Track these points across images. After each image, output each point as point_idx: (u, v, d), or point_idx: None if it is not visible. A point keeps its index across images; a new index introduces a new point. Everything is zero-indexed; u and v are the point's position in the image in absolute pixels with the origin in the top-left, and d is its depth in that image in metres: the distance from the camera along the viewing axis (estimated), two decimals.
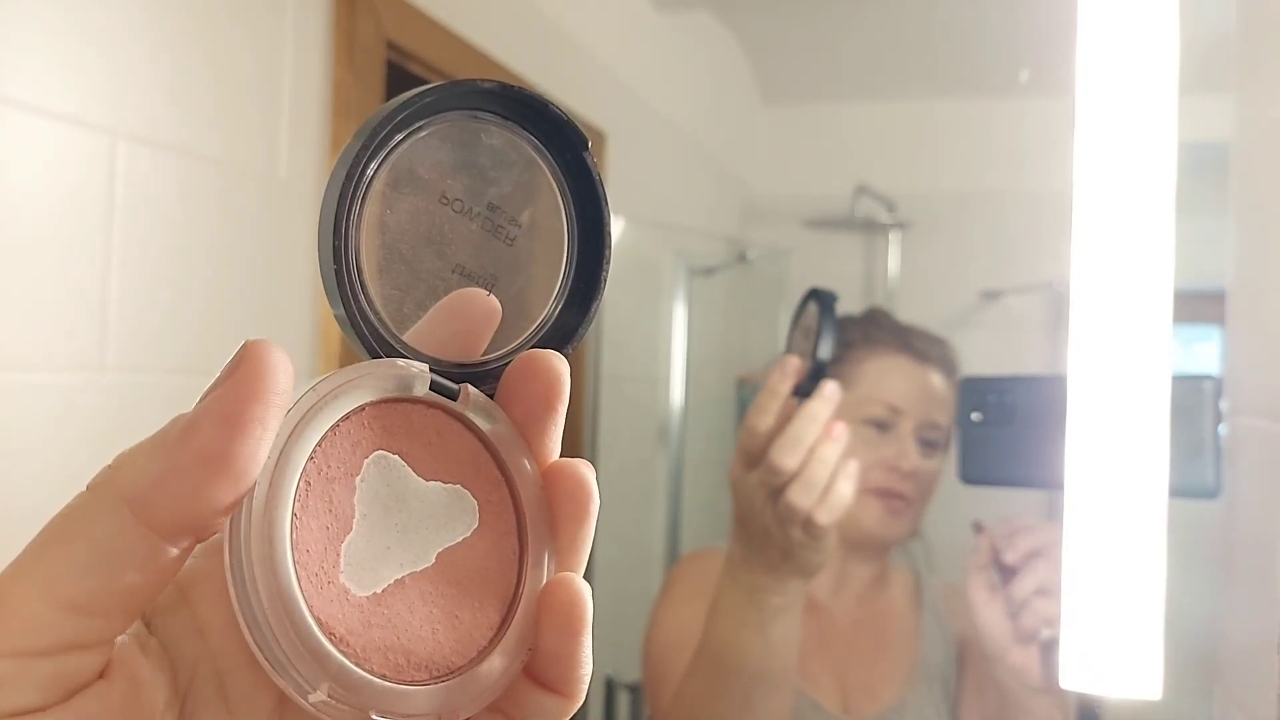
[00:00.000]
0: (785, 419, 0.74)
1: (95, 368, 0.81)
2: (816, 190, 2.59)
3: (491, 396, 0.26)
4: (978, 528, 0.86)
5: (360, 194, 0.24)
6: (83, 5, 0.79)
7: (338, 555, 0.23)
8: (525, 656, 0.25)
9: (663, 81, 2.10)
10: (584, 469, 0.26)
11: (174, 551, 0.21)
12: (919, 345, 1.04)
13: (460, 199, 0.26)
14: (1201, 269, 0.76)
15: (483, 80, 0.25)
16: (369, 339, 0.25)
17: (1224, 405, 0.73)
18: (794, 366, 0.75)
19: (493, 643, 0.25)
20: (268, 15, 0.99)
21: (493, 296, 0.26)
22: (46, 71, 0.77)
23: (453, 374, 0.26)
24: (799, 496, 0.72)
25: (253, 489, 0.22)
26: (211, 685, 0.23)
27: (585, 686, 0.24)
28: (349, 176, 0.24)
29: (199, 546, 0.22)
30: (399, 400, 0.25)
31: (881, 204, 2.51)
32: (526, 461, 0.26)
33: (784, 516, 0.73)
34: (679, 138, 2.22)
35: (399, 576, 0.24)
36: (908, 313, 1.22)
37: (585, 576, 0.24)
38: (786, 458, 0.72)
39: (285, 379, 0.21)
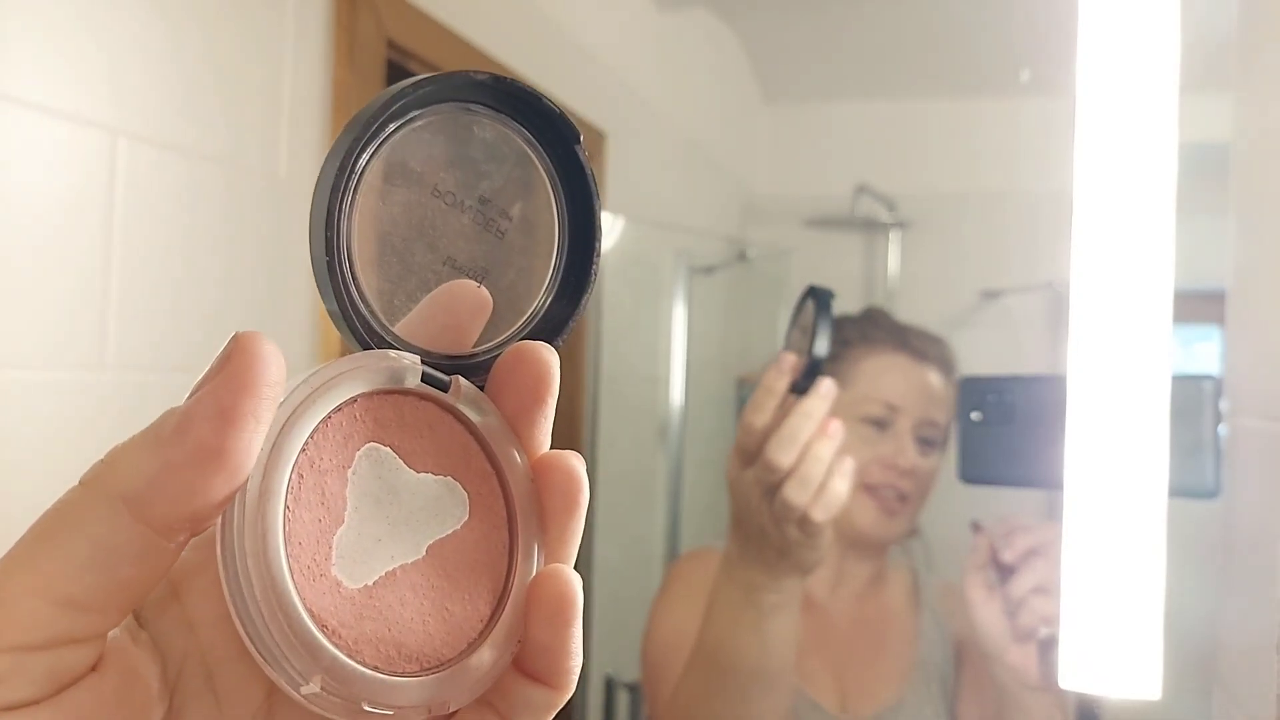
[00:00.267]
0: (782, 416, 0.74)
1: (95, 367, 0.81)
2: (816, 190, 2.59)
3: (482, 388, 0.26)
4: (976, 527, 0.86)
5: (353, 186, 0.24)
6: (83, 4, 0.79)
7: (330, 548, 0.23)
8: (515, 648, 0.25)
9: (663, 81, 2.10)
10: (574, 461, 0.26)
11: (169, 546, 0.21)
12: (916, 344, 1.04)
13: (452, 192, 0.26)
14: (1201, 269, 0.76)
15: (475, 71, 0.25)
16: (360, 331, 0.25)
17: (1224, 405, 0.73)
18: (790, 364, 0.75)
19: (483, 635, 0.25)
20: (268, 14, 0.99)
21: (483, 289, 0.26)
22: (47, 69, 0.77)
23: (444, 366, 0.26)
24: (794, 493, 0.72)
25: (246, 482, 0.22)
26: (201, 677, 0.23)
27: (574, 679, 0.24)
28: (341, 168, 0.24)
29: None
30: (390, 392, 0.25)
31: (881, 204, 2.51)
32: (516, 453, 0.26)
33: (780, 513, 0.73)
34: (679, 137, 2.22)
35: (390, 569, 0.24)
36: (908, 312, 1.22)
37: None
38: (782, 454, 0.72)
39: (277, 371, 0.21)
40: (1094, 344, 0.62)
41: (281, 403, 0.23)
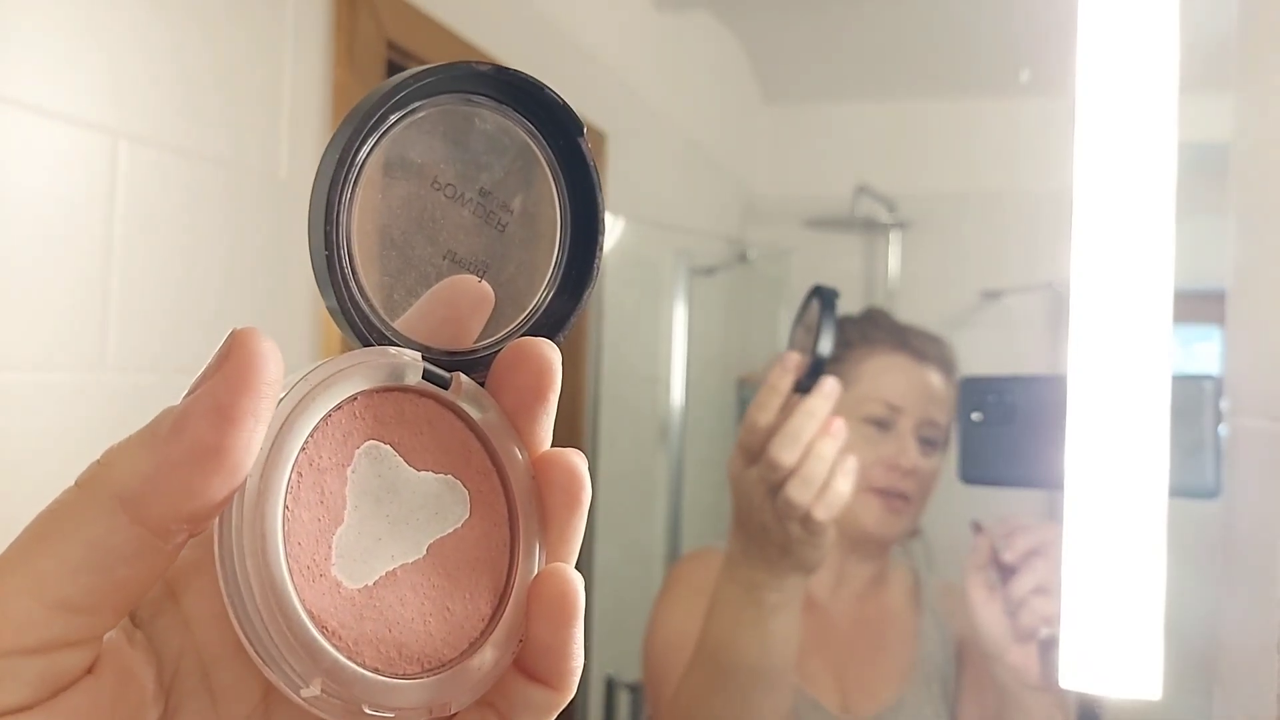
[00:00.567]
0: (786, 415, 0.74)
1: (96, 367, 0.81)
2: (816, 190, 2.59)
3: (483, 385, 0.26)
4: (976, 527, 0.86)
5: (352, 179, 0.24)
6: (84, 5, 0.79)
7: (329, 547, 0.23)
8: (516, 648, 0.24)
9: (663, 81, 2.10)
10: (575, 458, 0.25)
11: (166, 547, 0.21)
12: (917, 344, 1.04)
13: (452, 184, 0.25)
14: (1201, 269, 0.76)
15: (477, 62, 0.25)
16: (360, 327, 0.24)
17: (1224, 405, 0.73)
18: (795, 362, 0.75)
19: (484, 634, 0.24)
20: (268, 15, 0.99)
21: (484, 283, 0.26)
22: (48, 71, 0.77)
23: (444, 362, 0.25)
24: (797, 492, 0.72)
25: (244, 482, 0.21)
26: (197, 678, 0.23)
27: (576, 679, 0.24)
28: (341, 161, 0.23)
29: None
30: (390, 389, 0.25)
31: (881, 204, 2.51)
32: (518, 451, 0.26)
33: (782, 512, 0.73)
34: (679, 138, 2.22)
35: (390, 568, 0.24)
36: (908, 313, 1.22)
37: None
38: (785, 453, 0.72)
39: (276, 368, 0.21)
40: (1094, 344, 0.62)
41: (280, 400, 0.22)
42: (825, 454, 0.73)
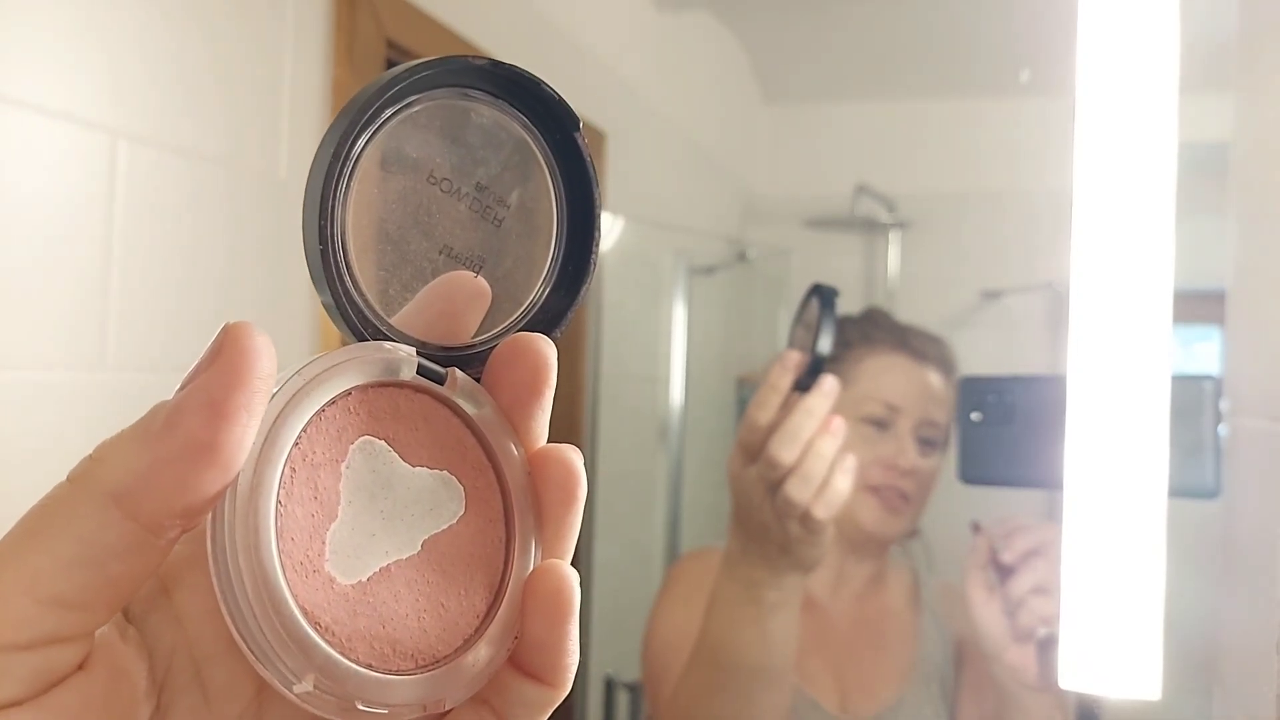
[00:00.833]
0: (785, 413, 0.74)
1: (96, 367, 0.81)
2: (816, 190, 2.59)
3: (478, 381, 0.25)
4: (975, 527, 0.86)
5: (348, 173, 0.23)
6: (84, 5, 0.79)
7: (323, 543, 0.23)
8: (512, 645, 0.24)
9: (663, 81, 2.10)
10: (571, 454, 0.25)
11: (159, 543, 0.20)
12: (916, 344, 1.04)
13: (448, 179, 0.25)
14: (1201, 269, 0.76)
15: (474, 56, 0.25)
16: (355, 321, 0.24)
17: (1224, 405, 0.73)
18: (794, 361, 0.75)
19: (479, 631, 0.24)
20: (268, 15, 0.99)
21: (480, 279, 0.26)
22: (47, 71, 0.77)
23: (440, 358, 0.25)
24: (796, 490, 0.72)
25: (237, 477, 0.21)
26: (189, 674, 0.23)
27: (571, 676, 0.24)
28: (336, 154, 0.23)
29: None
30: (385, 384, 0.24)
31: (881, 204, 2.51)
32: (513, 447, 0.25)
33: (782, 510, 0.73)
34: (679, 138, 2.22)
35: (384, 564, 0.23)
36: (908, 313, 1.22)
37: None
38: (784, 451, 0.72)
39: (269, 363, 0.21)
40: (1094, 344, 0.62)
41: (274, 395, 0.22)
42: (824, 452, 0.73)
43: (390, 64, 1.17)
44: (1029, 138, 1.88)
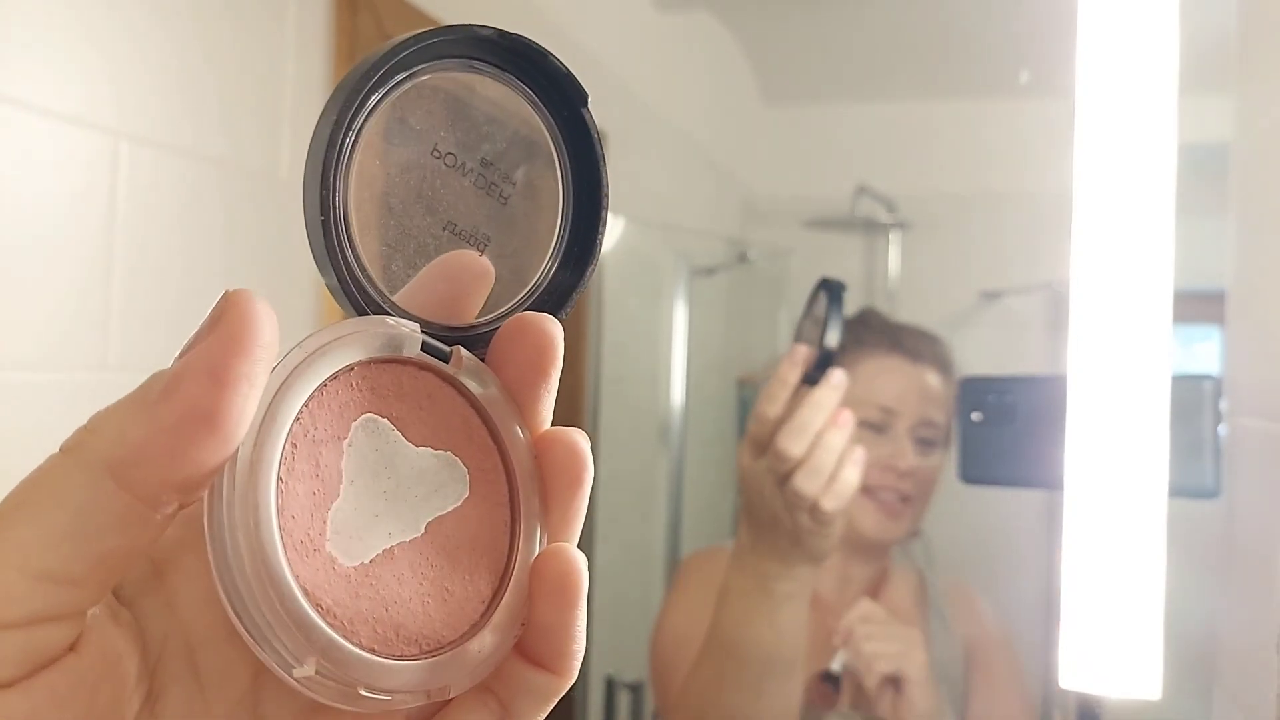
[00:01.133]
0: (794, 407, 0.75)
1: (97, 368, 0.81)
2: (816, 190, 2.59)
3: (482, 360, 0.25)
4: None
5: (350, 142, 0.22)
6: (85, 6, 0.79)
7: (324, 522, 0.22)
8: (518, 632, 0.23)
9: (663, 81, 2.10)
10: (578, 437, 0.25)
11: (155, 517, 0.19)
12: (910, 344, 1.04)
13: (453, 153, 0.24)
14: (1201, 269, 0.76)
15: (480, 26, 0.24)
16: (357, 297, 0.23)
17: (1224, 405, 0.73)
18: (803, 355, 0.76)
19: (484, 617, 0.23)
20: (268, 15, 0.99)
21: (485, 258, 0.25)
22: (49, 72, 0.77)
23: (444, 337, 0.24)
24: (805, 482, 0.73)
25: (236, 452, 0.20)
26: (182, 661, 0.22)
27: (578, 663, 0.23)
28: (339, 123, 0.22)
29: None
30: (389, 361, 0.23)
31: (881, 204, 2.51)
32: (519, 428, 0.25)
33: (791, 502, 0.74)
34: (679, 138, 2.22)
35: (388, 546, 0.22)
36: (908, 313, 1.22)
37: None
38: (793, 444, 0.73)
39: (271, 332, 0.20)
40: (1094, 344, 0.62)
41: (275, 368, 0.21)
42: (833, 445, 0.74)
43: None
44: (1029, 139, 1.88)
